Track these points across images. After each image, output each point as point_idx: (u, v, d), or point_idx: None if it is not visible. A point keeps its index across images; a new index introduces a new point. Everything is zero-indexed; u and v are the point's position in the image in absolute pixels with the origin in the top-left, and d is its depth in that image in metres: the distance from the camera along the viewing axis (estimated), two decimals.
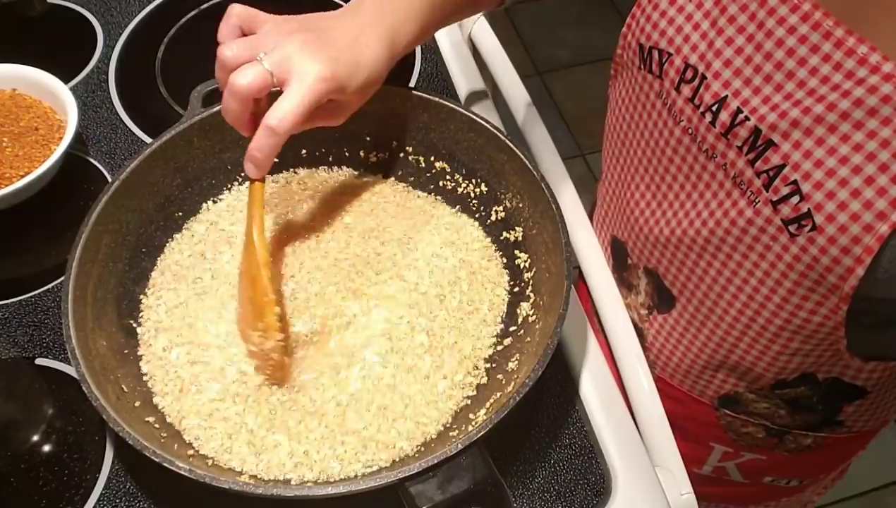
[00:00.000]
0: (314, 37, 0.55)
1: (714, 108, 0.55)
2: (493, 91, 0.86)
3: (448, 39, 0.89)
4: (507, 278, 0.66)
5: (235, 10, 0.58)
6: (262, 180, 0.58)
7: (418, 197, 0.71)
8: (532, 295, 0.63)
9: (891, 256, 0.49)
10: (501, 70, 0.85)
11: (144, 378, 0.59)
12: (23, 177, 0.70)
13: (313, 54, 0.54)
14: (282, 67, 0.54)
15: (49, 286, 0.70)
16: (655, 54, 0.59)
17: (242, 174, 0.70)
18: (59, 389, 0.64)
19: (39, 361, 0.65)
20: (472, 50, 0.90)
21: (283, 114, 0.53)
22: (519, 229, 0.66)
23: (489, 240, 0.68)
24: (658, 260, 0.67)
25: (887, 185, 0.47)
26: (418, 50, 0.88)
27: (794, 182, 0.50)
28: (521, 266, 0.65)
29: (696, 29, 0.56)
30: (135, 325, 0.62)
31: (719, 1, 0.54)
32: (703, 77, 0.55)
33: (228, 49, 0.55)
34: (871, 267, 0.49)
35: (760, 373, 0.64)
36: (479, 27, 0.89)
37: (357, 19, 0.58)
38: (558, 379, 0.65)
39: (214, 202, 0.70)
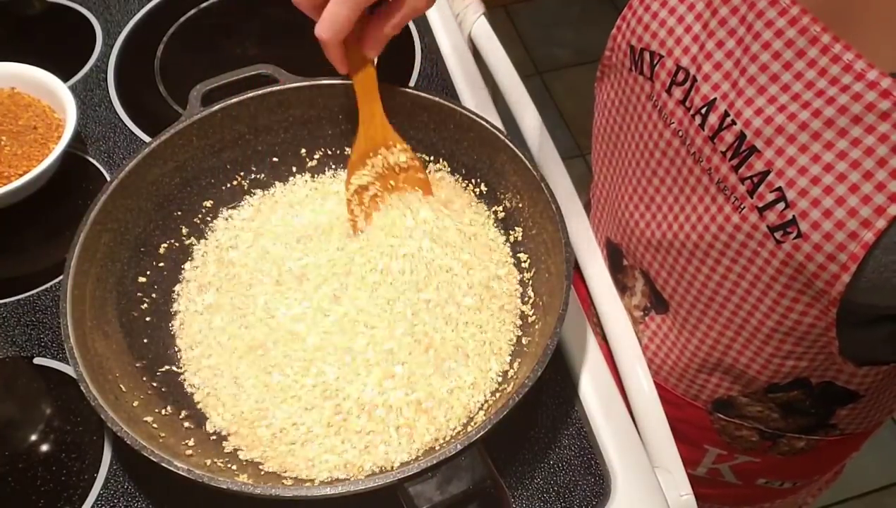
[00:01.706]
0: None
1: (703, 111, 0.55)
2: (493, 91, 0.86)
3: (448, 39, 0.89)
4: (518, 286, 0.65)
5: None
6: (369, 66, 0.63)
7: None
8: (532, 295, 0.63)
9: (874, 266, 0.49)
10: (501, 70, 0.85)
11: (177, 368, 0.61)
12: (21, 175, 0.70)
13: None
14: None
15: (47, 285, 0.70)
16: (647, 56, 0.59)
17: (241, 173, 0.70)
18: (57, 389, 0.64)
19: (37, 360, 0.65)
20: (472, 50, 0.90)
21: (326, 26, 0.55)
22: (519, 229, 0.66)
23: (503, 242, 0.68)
24: (650, 262, 0.67)
25: (872, 193, 0.46)
26: (418, 50, 0.88)
27: (779, 189, 0.50)
28: (521, 266, 0.65)
29: (688, 31, 0.55)
30: (137, 314, 0.62)
31: (710, 3, 0.54)
32: (694, 79, 0.55)
33: None
34: (855, 275, 0.49)
35: (754, 376, 0.64)
36: (479, 27, 0.89)
37: None
38: (558, 379, 0.65)
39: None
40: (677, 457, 0.64)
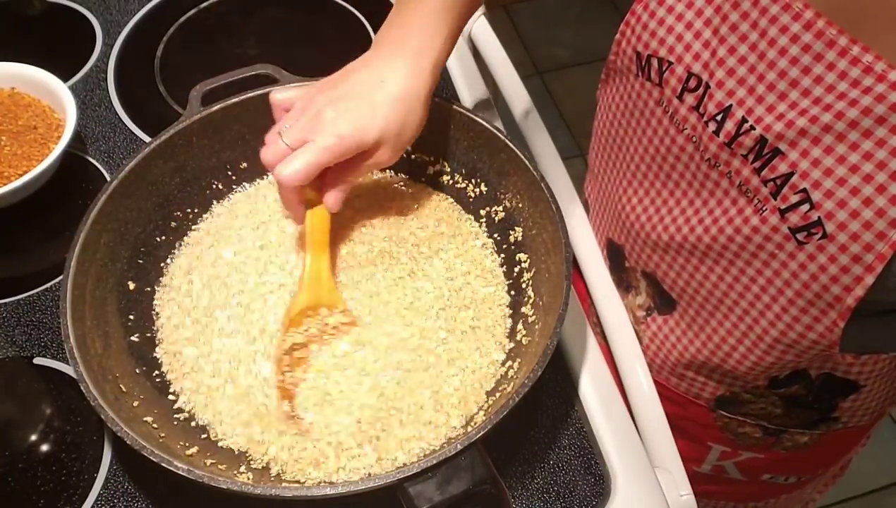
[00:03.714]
0: (333, 98, 0.57)
1: (718, 118, 0.55)
2: (493, 91, 0.86)
3: None
4: (506, 290, 0.65)
5: (271, 101, 0.62)
6: (318, 205, 0.61)
7: (419, 195, 0.71)
8: (532, 295, 0.63)
9: None
10: (501, 70, 0.85)
11: (163, 370, 0.61)
12: (21, 175, 0.70)
13: (329, 119, 0.56)
14: (297, 140, 0.57)
15: (47, 285, 0.70)
16: (654, 62, 0.59)
17: (241, 173, 0.70)
18: (57, 389, 0.64)
19: (37, 360, 0.65)
20: (472, 50, 0.90)
21: (289, 170, 0.56)
22: (519, 229, 0.66)
23: (490, 241, 0.68)
24: (657, 264, 0.67)
25: None
26: None
27: (804, 190, 0.50)
28: (521, 266, 0.65)
29: (698, 37, 0.55)
30: (133, 319, 0.62)
31: (720, 9, 0.53)
32: (707, 86, 0.55)
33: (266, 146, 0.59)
34: (881, 275, 0.49)
35: (752, 380, 0.64)
36: (479, 27, 0.89)
37: (374, 65, 0.59)
38: (558, 379, 0.65)
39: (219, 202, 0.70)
40: (677, 457, 0.64)
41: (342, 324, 0.61)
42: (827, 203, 0.49)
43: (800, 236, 0.52)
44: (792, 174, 0.51)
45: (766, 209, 0.53)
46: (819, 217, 0.50)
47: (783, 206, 0.52)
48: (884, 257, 0.48)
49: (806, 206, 0.50)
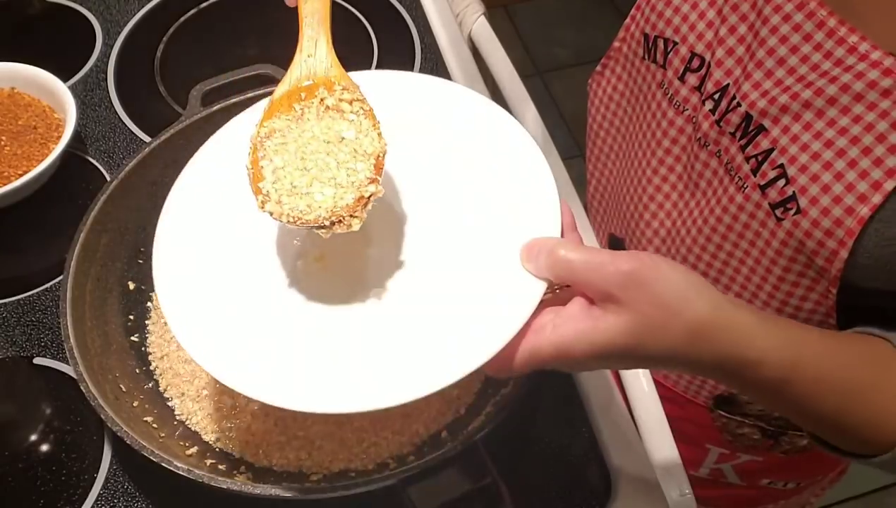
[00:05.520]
0: None
1: (716, 97, 0.56)
2: (493, 91, 0.86)
3: (448, 39, 0.89)
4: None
5: None
6: None
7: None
8: None
9: (877, 241, 0.49)
10: (501, 70, 0.85)
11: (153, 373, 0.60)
12: (21, 175, 0.70)
13: None
14: None
15: (47, 285, 0.70)
16: (661, 43, 0.60)
17: None
18: (57, 388, 0.64)
19: (37, 360, 0.65)
20: (472, 50, 0.90)
21: None
22: None
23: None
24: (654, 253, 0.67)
25: (869, 168, 0.47)
26: (418, 50, 0.88)
27: (781, 165, 0.51)
28: None
29: (702, 17, 0.57)
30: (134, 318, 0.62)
31: None
32: (709, 65, 0.56)
33: None
34: (854, 251, 0.49)
35: None
36: (479, 27, 0.89)
37: None
38: (558, 379, 0.65)
39: None
40: (677, 457, 0.64)
41: (343, 102, 0.49)
42: (801, 177, 0.50)
43: (778, 212, 0.53)
44: (772, 150, 0.52)
45: (747, 186, 0.54)
46: (794, 191, 0.51)
47: (762, 182, 0.53)
48: (852, 232, 0.48)
49: (782, 182, 0.51)
